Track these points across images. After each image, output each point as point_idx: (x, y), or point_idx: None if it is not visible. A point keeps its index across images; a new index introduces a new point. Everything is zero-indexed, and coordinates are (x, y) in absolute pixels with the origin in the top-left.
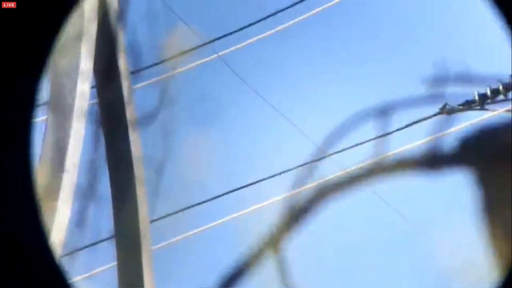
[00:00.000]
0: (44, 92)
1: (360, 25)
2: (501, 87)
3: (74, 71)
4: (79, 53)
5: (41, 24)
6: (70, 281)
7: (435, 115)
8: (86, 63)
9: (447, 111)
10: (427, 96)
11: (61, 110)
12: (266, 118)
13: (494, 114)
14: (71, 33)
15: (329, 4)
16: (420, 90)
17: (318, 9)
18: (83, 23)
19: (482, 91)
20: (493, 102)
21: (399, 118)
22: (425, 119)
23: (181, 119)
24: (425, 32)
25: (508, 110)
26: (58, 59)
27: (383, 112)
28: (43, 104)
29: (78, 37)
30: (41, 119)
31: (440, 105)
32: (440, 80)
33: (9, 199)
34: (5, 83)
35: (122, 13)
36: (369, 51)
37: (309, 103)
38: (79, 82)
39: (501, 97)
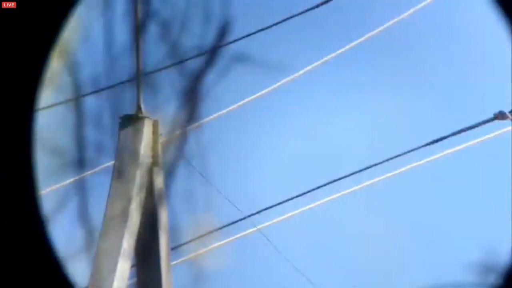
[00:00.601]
0: (84, 274)
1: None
2: None
3: (115, 251)
4: (122, 233)
5: (41, 24)
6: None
7: None
8: (128, 242)
9: None
10: (477, 284)
11: None
12: None
13: None
14: (114, 213)
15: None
16: (470, 277)
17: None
18: (127, 205)
19: None
20: None
21: None
22: None
23: None
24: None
25: None
26: (101, 240)
27: None
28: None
29: (122, 221)
30: None
31: None
32: (490, 269)
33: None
34: (5, 83)
35: (166, 192)
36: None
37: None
38: (120, 262)
39: None
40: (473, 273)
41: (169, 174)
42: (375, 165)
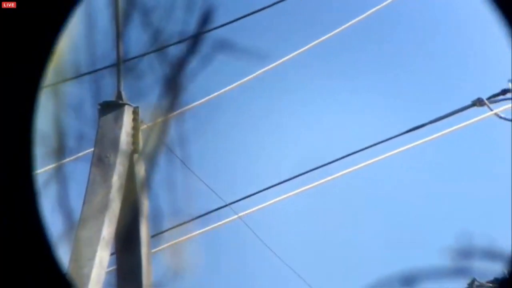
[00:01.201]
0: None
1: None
2: None
3: (95, 238)
4: (101, 221)
5: (41, 24)
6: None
7: None
8: (108, 231)
9: (476, 287)
10: (454, 269)
11: (77, 280)
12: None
13: None
14: (95, 205)
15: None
16: (447, 261)
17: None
18: (107, 192)
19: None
20: None
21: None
22: None
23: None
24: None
25: None
26: (80, 228)
27: (408, 282)
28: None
29: (102, 208)
30: None
31: (468, 280)
32: (466, 253)
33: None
34: (5, 83)
35: (147, 181)
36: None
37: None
38: (99, 249)
39: None
40: (449, 258)
41: (150, 162)
42: (356, 152)
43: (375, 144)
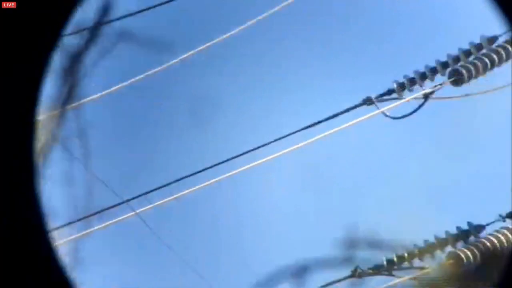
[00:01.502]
0: None
1: None
2: (406, 254)
3: None
4: None
5: (41, 24)
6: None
7: (347, 277)
8: None
9: (358, 274)
10: (341, 259)
11: None
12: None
13: (400, 280)
14: None
15: None
16: (335, 252)
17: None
18: None
19: (390, 256)
20: (400, 268)
21: (313, 279)
22: (338, 281)
23: None
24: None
25: (413, 278)
26: None
27: (299, 272)
28: None
29: None
30: None
31: (352, 268)
32: (352, 243)
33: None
34: (5, 83)
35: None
36: None
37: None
38: None
39: (406, 264)
40: (339, 249)
41: (45, 156)
42: (253, 149)
43: (274, 140)
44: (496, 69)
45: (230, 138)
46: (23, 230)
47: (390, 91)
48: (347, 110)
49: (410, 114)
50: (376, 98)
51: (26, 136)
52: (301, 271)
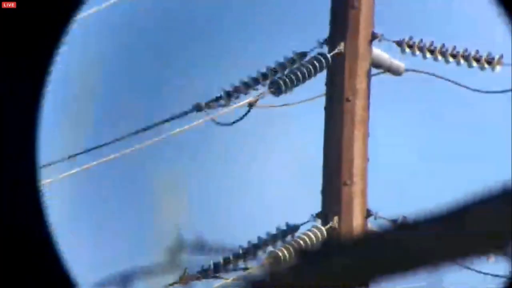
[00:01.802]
0: None
1: None
2: (231, 256)
3: None
4: None
5: (41, 24)
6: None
7: (174, 283)
8: None
9: (186, 279)
10: (168, 264)
11: None
12: None
13: (227, 282)
14: None
15: None
16: (161, 258)
17: None
18: None
19: (216, 259)
20: (227, 270)
21: (140, 286)
22: (166, 287)
23: None
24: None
25: (236, 279)
26: None
27: (123, 282)
28: None
29: None
30: None
31: (180, 273)
32: (179, 248)
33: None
34: (5, 84)
35: None
36: None
37: None
38: None
39: (232, 266)
40: (165, 255)
41: None
42: (73, 156)
43: (103, 145)
44: (311, 80)
45: None
46: (24, 230)
47: (218, 98)
48: (177, 117)
49: (237, 121)
50: (206, 104)
51: (28, 138)
52: (126, 280)
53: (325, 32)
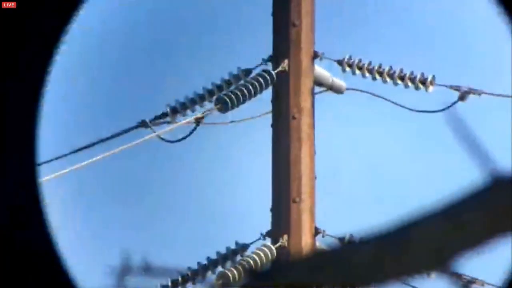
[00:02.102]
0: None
1: None
2: (180, 278)
3: None
4: None
5: (41, 24)
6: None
7: None
8: None
9: None
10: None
11: None
12: None
13: None
14: None
15: None
16: (108, 281)
17: None
18: None
19: (164, 282)
20: None
21: None
22: None
23: None
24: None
25: None
26: None
27: None
28: None
29: None
30: None
31: None
32: (126, 271)
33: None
34: (5, 84)
35: None
36: None
37: None
38: None
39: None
40: (112, 278)
41: None
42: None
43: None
44: (257, 97)
45: None
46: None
47: (164, 115)
48: (122, 133)
49: (183, 138)
50: (151, 121)
51: (27, 139)
52: None
53: (269, 49)
